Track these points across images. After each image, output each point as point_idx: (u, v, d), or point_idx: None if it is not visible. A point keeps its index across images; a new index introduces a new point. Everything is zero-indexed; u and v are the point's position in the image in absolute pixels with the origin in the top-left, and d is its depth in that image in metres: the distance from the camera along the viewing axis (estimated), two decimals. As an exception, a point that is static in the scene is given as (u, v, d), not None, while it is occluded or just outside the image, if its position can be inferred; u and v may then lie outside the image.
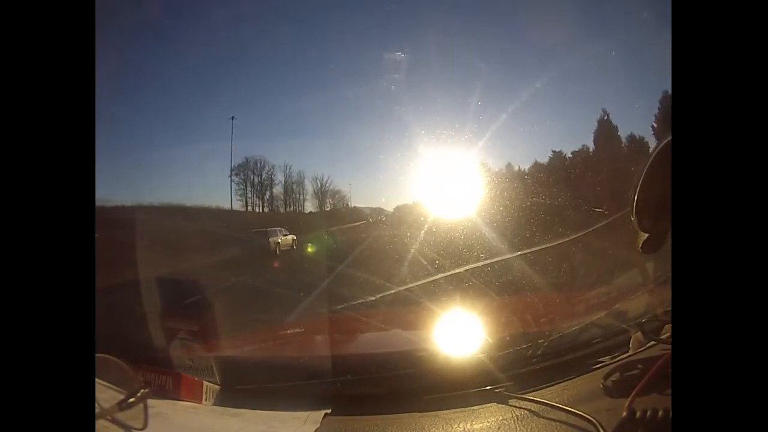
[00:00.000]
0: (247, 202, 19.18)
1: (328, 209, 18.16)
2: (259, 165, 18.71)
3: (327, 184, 19.15)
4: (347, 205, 18.44)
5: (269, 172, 18.94)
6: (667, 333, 0.98)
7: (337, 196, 19.07)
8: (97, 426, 0.68)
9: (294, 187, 19.09)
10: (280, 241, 7.20)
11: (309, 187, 19.00)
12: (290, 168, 18.73)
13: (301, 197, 19.32)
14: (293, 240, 7.59)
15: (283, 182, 19.14)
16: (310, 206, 19.01)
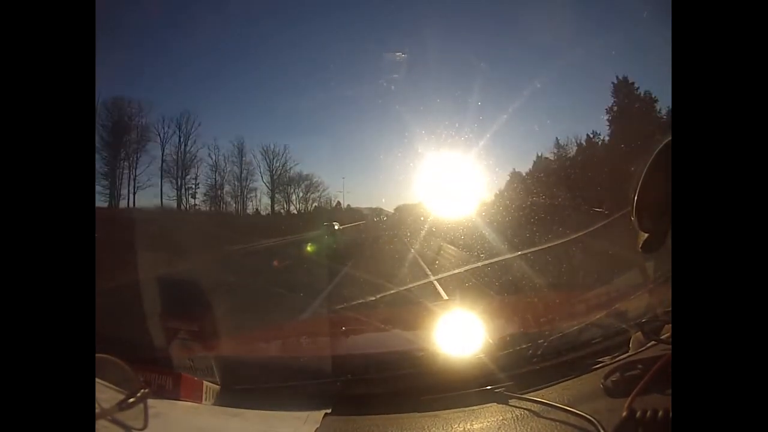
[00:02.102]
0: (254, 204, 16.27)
1: (326, 209, 16.38)
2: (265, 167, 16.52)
3: (322, 183, 16.88)
4: (339, 203, 16.63)
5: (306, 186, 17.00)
6: (667, 333, 0.98)
7: (334, 195, 17.13)
8: (97, 426, 0.68)
9: (290, 187, 17.18)
10: (336, 228, 12.87)
11: (308, 188, 18.32)
12: (290, 169, 18.07)
13: (300, 197, 17.45)
14: (340, 228, 13.13)
15: (276, 182, 17.13)
16: (307, 206, 16.99)
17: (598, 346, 1.06)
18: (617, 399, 0.81)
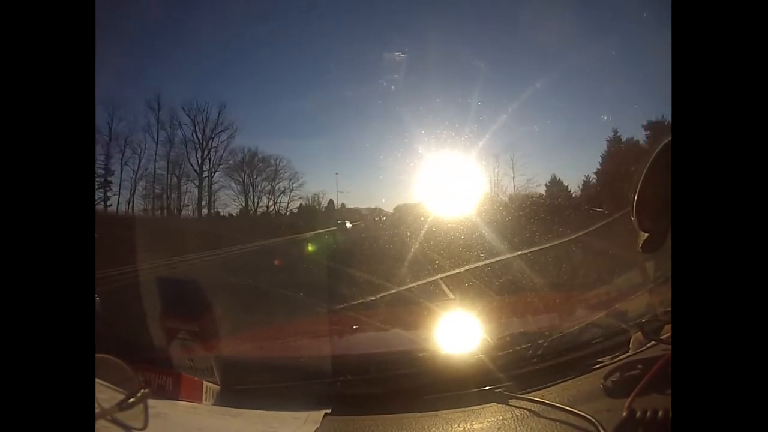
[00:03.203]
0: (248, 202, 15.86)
1: (312, 208, 16.07)
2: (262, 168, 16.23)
3: (289, 168, 15.96)
4: (332, 201, 16.31)
5: (268, 174, 16.75)
6: (667, 333, 0.98)
7: (323, 192, 16.63)
8: (97, 426, 0.68)
9: (289, 188, 16.72)
10: (348, 226, 14.54)
11: (307, 188, 18.10)
12: (289, 168, 17.81)
13: (297, 196, 16.92)
14: (351, 225, 14.76)
15: (276, 181, 16.75)
16: (305, 206, 16.52)
17: (598, 346, 1.06)
18: (617, 399, 0.81)
